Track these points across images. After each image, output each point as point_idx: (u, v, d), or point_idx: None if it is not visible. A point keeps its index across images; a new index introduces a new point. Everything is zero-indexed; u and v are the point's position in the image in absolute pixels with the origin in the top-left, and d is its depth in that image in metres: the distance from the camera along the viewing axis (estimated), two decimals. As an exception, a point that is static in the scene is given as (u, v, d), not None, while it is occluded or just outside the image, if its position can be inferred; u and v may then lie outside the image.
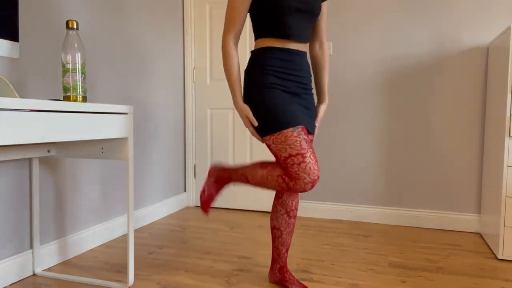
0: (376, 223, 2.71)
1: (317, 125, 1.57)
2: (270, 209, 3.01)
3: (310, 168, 1.34)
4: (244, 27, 2.97)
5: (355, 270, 1.87)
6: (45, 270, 1.84)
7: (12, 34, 1.44)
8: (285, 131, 1.36)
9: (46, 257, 1.87)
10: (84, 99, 1.53)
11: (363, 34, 2.69)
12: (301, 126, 1.39)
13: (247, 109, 1.43)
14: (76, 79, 1.49)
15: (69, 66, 1.48)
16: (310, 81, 1.53)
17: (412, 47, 2.59)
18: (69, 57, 1.48)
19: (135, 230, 2.51)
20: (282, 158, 1.37)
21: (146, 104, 2.64)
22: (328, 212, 2.83)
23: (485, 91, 2.46)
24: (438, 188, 2.59)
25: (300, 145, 1.35)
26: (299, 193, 1.65)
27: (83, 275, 1.79)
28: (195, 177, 3.19)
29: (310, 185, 1.36)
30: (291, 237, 1.65)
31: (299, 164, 1.34)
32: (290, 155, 1.35)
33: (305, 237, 2.37)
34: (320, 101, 1.61)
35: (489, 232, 2.24)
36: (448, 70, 2.53)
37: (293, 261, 1.97)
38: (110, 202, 2.31)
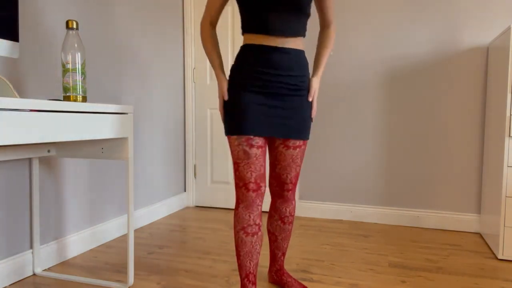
0: (376, 223, 2.71)
1: (310, 99, 1.46)
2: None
3: (243, 176, 1.38)
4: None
5: (355, 270, 1.87)
6: (45, 270, 1.84)
7: (12, 34, 1.44)
8: (232, 137, 1.39)
9: (46, 257, 1.87)
10: (84, 99, 1.53)
11: (363, 34, 2.69)
12: (245, 137, 1.36)
13: (224, 83, 1.42)
14: (76, 79, 1.49)
15: (69, 66, 1.48)
16: (301, 81, 1.42)
17: (412, 47, 2.59)
18: (69, 57, 1.48)
19: (135, 230, 2.51)
20: (232, 161, 1.43)
21: (146, 104, 2.64)
22: (328, 212, 2.83)
23: (485, 91, 2.46)
24: (438, 188, 2.59)
25: (237, 155, 1.38)
26: (293, 199, 1.59)
27: (83, 275, 1.79)
28: (195, 177, 3.19)
29: (244, 188, 1.39)
30: (287, 241, 1.64)
31: (235, 171, 1.41)
32: (233, 161, 1.42)
33: (305, 237, 2.37)
34: (312, 75, 1.52)
35: (489, 232, 2.24)
36: (448, 70, 2.53)
37: (293, 261, 1.97)
38: (110, 202, 2.31)
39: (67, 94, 1.49)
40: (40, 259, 1.83)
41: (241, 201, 1.41)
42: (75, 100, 1.50)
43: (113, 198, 2.33)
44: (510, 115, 1.95)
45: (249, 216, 1.42)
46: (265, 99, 1.38)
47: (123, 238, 2.33)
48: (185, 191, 3.20)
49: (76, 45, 1.49)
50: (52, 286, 1.66)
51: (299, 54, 1.41)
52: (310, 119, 1.49)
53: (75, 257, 2.01)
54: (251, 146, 1.37)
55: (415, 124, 2.61)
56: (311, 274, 1.82)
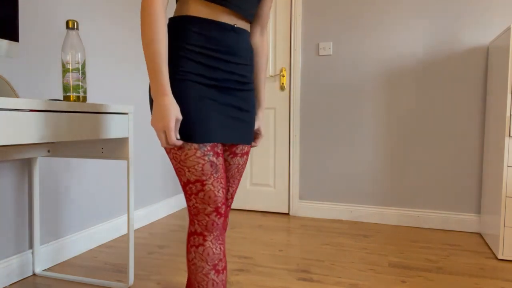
0: (376, 223, 2.71)
1: (257, 141, 1.24)
2: (270, 209, 3.01)
3: (209, 196, 1.02)
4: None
5: (355, 270, 1.87)
6: (45, 270, 1.84)
7: (12, 34, 1.44)
8: (192, 145, 1.00)
9: (46, 257, 1.87)
10: (84, 99, 1.53)
11: (363, 34, 2.69)
12: (210, 144, 1.02)
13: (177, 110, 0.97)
14: (76, 79, 1.49)
15: (69, 66, 1.48)
16: (251, 71, 1.14)
17: (411, 47, 2.59)
18: (69, 57, 1.48)
19: (135, 230, 2.51)
20: (181, 183, 1.05)
21: (146, 104, 2.64)
22: (328, 212, 2.83)
23: (485, 91, 2.46)
24: (438, 188, 2.59)
25: (202, 170, 1.01)
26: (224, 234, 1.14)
27: (83, 275, 1.79)
28: (195, 177, 3.19)
29: (215, 214, 1.04)
30: None
31: (197, 194, 1.03)
32: (189, 181, 1.03)
33: (305, 237, 2.37)
34: (256, 106, 1.22)
35: (489, 232, 2.24)
36: (448, 70, 2.53)
37: (293, 261, 1.97)
38: (110, 202, 2.31)
39: (67, 94, 1.49)
40: (40, 259, 1.83)
41: (209, 231, 1.05)
42: (75, 100, 1.50)
43: (113, 198, 2.33)
44: (510, 115, 1.95)
45: (220, 249, 1.07)
46: (216, 94, 1.06)
47: (123, 238, 2.33)
48: (185, 191, 3.20)
49: (76, 45, 1.49)
50: (52, 286, 1.66)
51: (248, 37, 1.13)
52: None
53: (75, 257, 2.01)
54: (218, 155, 1.04)
55: (415, 124, 2.61)
56: (311, 274, 1.82)
